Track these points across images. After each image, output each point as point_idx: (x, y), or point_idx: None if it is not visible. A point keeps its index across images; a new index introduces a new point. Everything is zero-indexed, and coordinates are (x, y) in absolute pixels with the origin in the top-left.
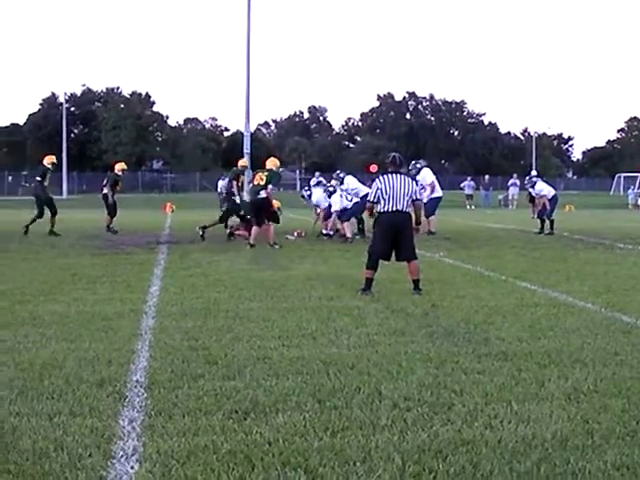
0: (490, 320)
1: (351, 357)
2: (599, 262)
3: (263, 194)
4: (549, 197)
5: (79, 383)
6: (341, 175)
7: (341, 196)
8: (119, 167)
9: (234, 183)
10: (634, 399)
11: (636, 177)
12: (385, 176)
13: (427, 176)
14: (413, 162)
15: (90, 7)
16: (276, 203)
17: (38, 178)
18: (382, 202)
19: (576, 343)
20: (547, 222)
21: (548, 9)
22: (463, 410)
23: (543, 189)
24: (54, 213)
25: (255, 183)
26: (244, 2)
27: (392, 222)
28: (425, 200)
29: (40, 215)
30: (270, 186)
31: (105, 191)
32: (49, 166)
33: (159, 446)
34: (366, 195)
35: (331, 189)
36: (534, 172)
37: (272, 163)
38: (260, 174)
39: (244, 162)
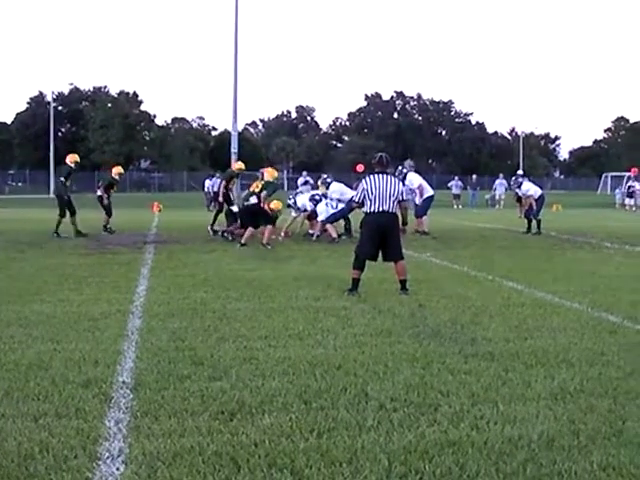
0: (477, 320)
1: (338, 358)
2: (586, 262)
3: (253, 200)
4: (536, 197)
5: (65, 384)
6: (328, 180)
7: (327, 204)
8: (116, 171)
9: (224, 185)
10: (620, 399)
11: (623, 176)
12: (371, 176)
13: (414, 180)
14: (399, 168)
15: (78, 6)
16: (277, 204)
17: (62, 178)
18: (369, 203)
19: (563, 343)
20: (534, 222)
21: (536, 9)
22: (449, 411)
23: (530, 189)
24: (73, 213)
25: (250, 190)
26: (232, 1)
27: (379, 223)
28: (418, 202)
29: (62, 214)
30: (264, 192)
31: (99, 193)
32: (72, 165)
33: (145, 447)
34: (353, 197)
35: (317, 198)
36: (520, 172)
37: (270, 174)
38: (257, 182)
39: (240, 165)
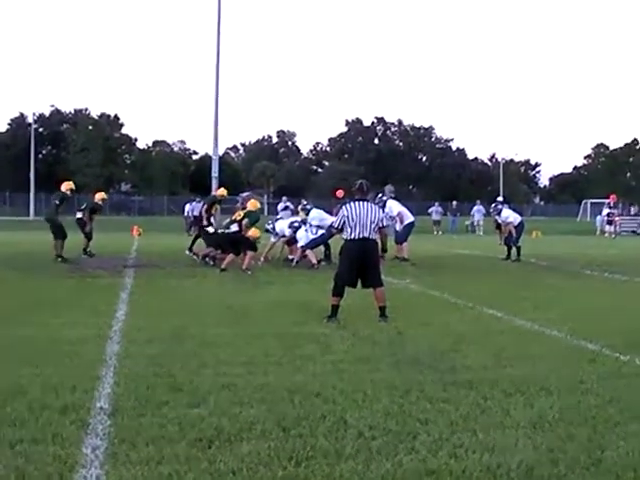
0: (456, 348)
1: (316, 385)
2: (565, 289)
3: (234, 227)
4: (515, 224)
5: (42, 410)
6: (307, 206)
7: (306, 231)
8: (99, 197)
9: (205, 210)
10: (599, 428)
11: (603, 203)
12: (352, 204)
13: (393, 207)
14: (379, 195)
15: (59, 28)
16: (255, 232)
17: (56, 202)
18: (348, 229)
19: (542, 371)
20: (514, 249)
21: (515, 37)
22: (428, 439)
23: (509, 216)
24: (62, 237)
25: (232, 218)
26: (214, 25)
27: (358, 249)
28: (398, 229)
29: (63, 237)
30: (246, 220)
31: (80, 215)
32: (67, 192)
33: (122, 475)
34: (333, 223)
35: (296, 225)
36: (500, 198)
37: (252, 205)
38: (239, 211)
39: (222, 191)
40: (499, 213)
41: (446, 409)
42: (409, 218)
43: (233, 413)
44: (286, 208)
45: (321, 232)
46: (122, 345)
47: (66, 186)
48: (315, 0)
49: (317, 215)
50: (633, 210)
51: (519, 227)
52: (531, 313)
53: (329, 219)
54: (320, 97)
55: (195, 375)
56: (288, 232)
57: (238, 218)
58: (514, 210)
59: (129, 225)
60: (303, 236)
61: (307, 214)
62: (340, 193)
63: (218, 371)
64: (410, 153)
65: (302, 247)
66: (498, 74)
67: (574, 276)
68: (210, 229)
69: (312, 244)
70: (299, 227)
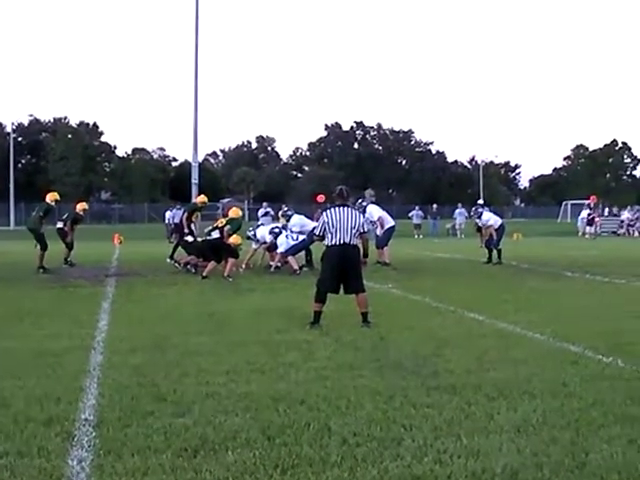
0: (439, 352)
1: (300, 392)
2: (547, 291)
3: (216, 234)
4: (496, 227)
5: (27, 422)
6: (288, 212)
7: (287, 237)
8: (81, 207)
9: (186, 218)
10: (583, 431)
11: (583, 204)
12: (332, 210)
13: (373, 212)
14: (359, 201)
15: (36, 36)
16: (237, 239)
17: (41, 214)
18: (329, 235)
19: (525, 374)
20: (495, 252)
21: (493, 39)
22: (412, 445)
23: (490, 219)
24: (44, 248)
25: (214, 225)
26: (192, 32)
27: (340, 255)
28: (379, 233)
29: (44, 248)
30: (228, 226)
31: (60, 225)
32: (52, 203)
33: None
34: (314, 229)
35: (277, 231)
36: (481, 201)
37: (234, 212)
38: (222, 219)
39: (203, 198)
40: (480, 216)
41: (430, 414)
42: (389, 223)
43: (218, 422)
44: (267, 214)
45: (302, 238)
46: (105, 355)
47: (51, 197)
48: (294, 6)
49: (298, 221)
50: (615, 211)
51: (500, 230)
52: (513, 316)
53: (310, 224)
54: (299, 102)
55: (179, 384)
56: (269, 238)
57: (220, 225)
58: (494, 213)
59: (110, 233)
60: (284, 242)
61: (288, 220)
62: (321, 198)
63: (201, 380)
64: (390, 157)
65: (283, 253)
66: (477, 77)
67: (555, 278)
68: (189, 238)
69: (293, 250)
70: (280, 233)
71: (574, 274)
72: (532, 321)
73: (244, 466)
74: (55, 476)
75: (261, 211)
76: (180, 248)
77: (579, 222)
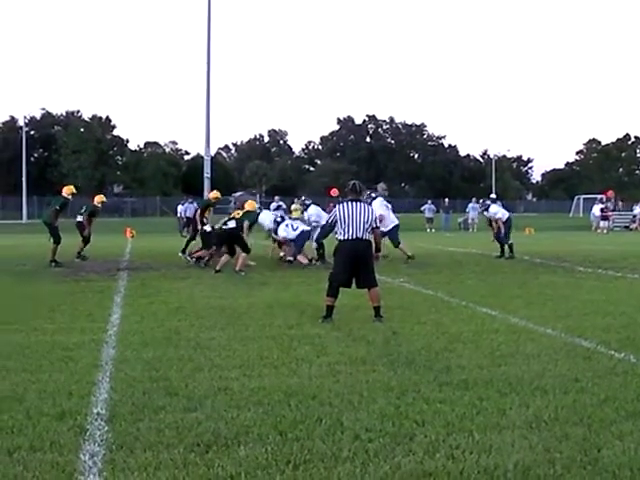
0: (451, 347)
1: (312, 387)
2: (559, 286)
3: (232, 224)
4: (503, 220)
5: (39, 416)
6: (307, 202)
7: (287, 225)
8: (98, 199)
9: (199, 214)
10: (595, 427)
11: (595, 199)
12: (344, 204)
13: (375, 208)
14: (369, 192)
15: (49, 30)
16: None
17: (57, 207)
18: (342, 230)
19: (537, 370)
20: (506, 246)
21: (506, 33)
22: (425, 441)
23: (497, 212)
24: (57, 241)
25: (230, 216)
26: (204, 26)
27: (352, 250)
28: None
29: (57, 241)
30: (246, 222)
31: (80, 219)
32: (69, 197)
33: None
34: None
35: (279, 219)
36: (493, 195)
37: (250, 205)
38: (238, 211)
39: (216, 194)
40: (487, 208)
41: (442, 410)
42: (393, 222)
43: (230, 417)
44: (278, 208)
45: (302, 228)
46: (118, 350)
47: (67, 190)
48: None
49: (315, 211)
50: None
51: (507, 223)
52: (525, 311)
53: (325, 216)
54: (311, 95)
55: (191, 379)
56: (272, 226)
57: (237, 216)
58: (504, 207)
59: (122, 227)
60: (282, 229)
61: (306, 209)
62: (334, 192)
63: (214, 375)
64: (402, 151)
65: (292, 241)
66: (490, 71)
67: (568, 273)
68: (207, 228)
69: (301, 241)
70: (282, 221)
71: (586, 269)
72: (544, 316)
73: (256, 461)
74: (67, 471)
75: (273, 205)
76: (193, 242)
77: (591, 217)
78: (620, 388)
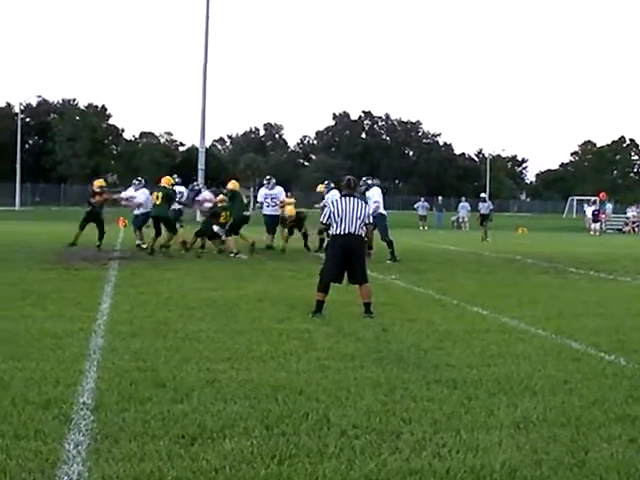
0: (440, 345)
1: (300, 382)
2: (551, 287)
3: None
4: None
5: (25, 404)
6: (330, 185)
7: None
8: (98, 184)
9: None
10: (583, 429)
11: (589, 200)
12: (338, 199)
13: (376, 194)
14: (364, 178)
15: (46, 18)
16: (291, 210)
17: (165, 198)
18: (334, 225)
19: (526, 370)
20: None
21: (504, 33)
22: (412, 439)
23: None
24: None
25: (214, 203)
26: (202, 17)
27: (344, 245)
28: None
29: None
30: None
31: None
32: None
33: (104, 471)
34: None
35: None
36: (483, 194)
37: (233, 185)
38: (223, 197)
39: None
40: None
41: (430, 408)
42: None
43: (216, 410)
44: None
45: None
46: (106, 339)
47: (166, 181)
48: None
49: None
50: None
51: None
52: (516, 311)
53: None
54: (307, 90)
55: (178, 370)
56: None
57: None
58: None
59: (115, 217)
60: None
61: (328, 192)
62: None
63: (201, 366)
64: (397, 148)
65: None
66: (487, 70)
67: (560, 274)
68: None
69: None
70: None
71: (578, 270)
72: (535, 316)
73: (241, 455)
74: (51, 460)
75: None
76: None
77: (586, 218)
78: (609, 390)
